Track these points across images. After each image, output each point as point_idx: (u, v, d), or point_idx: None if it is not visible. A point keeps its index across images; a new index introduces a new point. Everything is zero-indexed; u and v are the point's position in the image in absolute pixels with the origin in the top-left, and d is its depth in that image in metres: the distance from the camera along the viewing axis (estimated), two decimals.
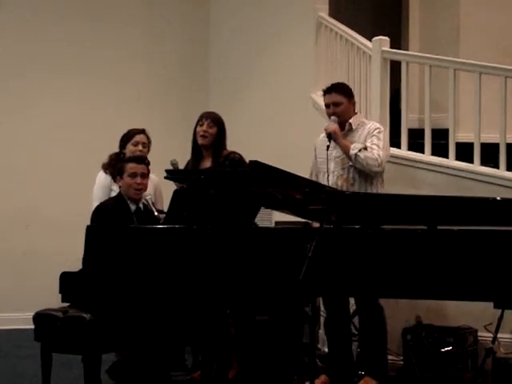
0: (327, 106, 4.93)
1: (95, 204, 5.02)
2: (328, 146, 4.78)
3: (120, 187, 4.87)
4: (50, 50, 7.28)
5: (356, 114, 5.00)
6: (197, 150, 5.02)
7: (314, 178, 5.02)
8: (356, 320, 5.01)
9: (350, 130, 4.90)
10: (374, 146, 4.80)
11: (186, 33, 7.77)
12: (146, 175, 4.87)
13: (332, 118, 4.87)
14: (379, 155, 4.79)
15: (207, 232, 3.87)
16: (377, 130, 4.89)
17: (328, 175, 4.83)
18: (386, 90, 5.74)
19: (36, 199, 7.14)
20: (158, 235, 4.02)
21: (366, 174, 4.83)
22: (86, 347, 4.27)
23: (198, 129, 4.97)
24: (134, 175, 4.79)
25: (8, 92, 7.17)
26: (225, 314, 4.72)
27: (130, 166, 4.82)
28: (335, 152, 4.85)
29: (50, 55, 7.28)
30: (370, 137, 4.85)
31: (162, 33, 7.72)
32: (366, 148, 4.78)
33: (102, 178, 5.30)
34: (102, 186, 5.28)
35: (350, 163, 4.82)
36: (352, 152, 4.77)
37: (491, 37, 6.50)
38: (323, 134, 5.05)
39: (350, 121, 4.90)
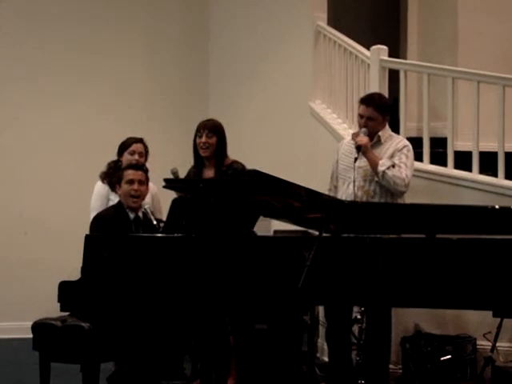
0: (361, 116, 4.86)
1: (92, 214, 5.00)
2: (356, 159, 4.72)
3: (120, 196, 4.85)
4: (48, 56, 7.29)
5: (385, 126, 4.94)
6: (199, 160, 5.00)
7: (334, 182, 5.00)
8: (354, 328, 5.00)
9: (378, 142, 4.85)
10: (402, 165, 4.76)
11: (186, 41, 7.79)
12: (143, 182, 4.85)
13: (363, 129, 4.80)
14: (407, 175, 4.75)
15: (206, 241, 3.86)
16: (406, 148, 4.84)
17: (349, 184, 4.82)
18: None
19: (35, 208, 7.13)
20: (157, 244, 4.02)
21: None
22: (85, 356, 4.26)
23: (198, 141, 4.93)
24: (131, 182, 4.77)
25: (6, 100, 7.18)
26: (224, 322, 4.71)
27: (127, 173, 4.81)
28: (359, 162, 4.76)
29: (47, 62, 7.29)
30: (399, 154, 4.80)
31: (161, 41, 7.73)
32: (393, 165, 4.74)
33: (100, 187, 5.29)
34: (99, 196, 5.26)
35: (375, 177, 4.77)
36: (380, 169, 4.72)
37: (490, 45, 6.51)
38: (347, 139, 5.03)
39: (380, 133, 4.85)
